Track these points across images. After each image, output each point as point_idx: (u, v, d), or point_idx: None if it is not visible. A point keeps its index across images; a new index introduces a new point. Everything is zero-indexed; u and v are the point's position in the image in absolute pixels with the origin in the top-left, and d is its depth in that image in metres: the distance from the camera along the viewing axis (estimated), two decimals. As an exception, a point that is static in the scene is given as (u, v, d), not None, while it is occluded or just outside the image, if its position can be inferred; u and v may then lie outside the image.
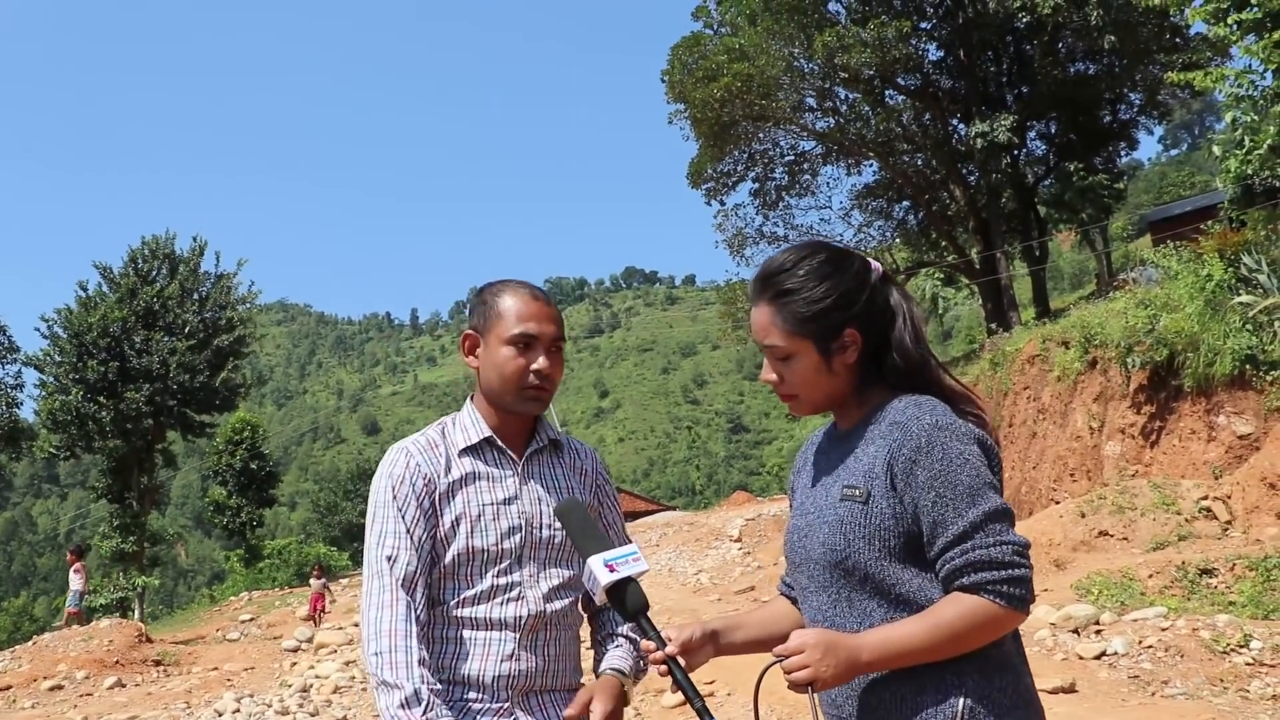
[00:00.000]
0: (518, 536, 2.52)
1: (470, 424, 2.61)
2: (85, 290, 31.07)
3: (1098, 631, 8.79)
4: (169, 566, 65.08)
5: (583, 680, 2.66)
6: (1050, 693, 7.55)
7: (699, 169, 37.76)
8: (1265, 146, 21.99)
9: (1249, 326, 13.43)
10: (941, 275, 41.47)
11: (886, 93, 35.40)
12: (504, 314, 2.55)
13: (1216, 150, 29.17)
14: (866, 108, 35.10)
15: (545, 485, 2.62)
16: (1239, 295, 13.80)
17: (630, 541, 2.59)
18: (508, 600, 2.49)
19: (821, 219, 39.24)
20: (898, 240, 39.80)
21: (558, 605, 2.56)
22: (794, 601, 2.38)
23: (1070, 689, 7.62)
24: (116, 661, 15.27)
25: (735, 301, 37.70)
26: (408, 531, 2.44)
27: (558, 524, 2.55)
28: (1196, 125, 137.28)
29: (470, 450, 2.57)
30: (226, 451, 40.79)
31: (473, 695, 2.45)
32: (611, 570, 2.22)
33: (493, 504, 2.53)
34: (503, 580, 2.49)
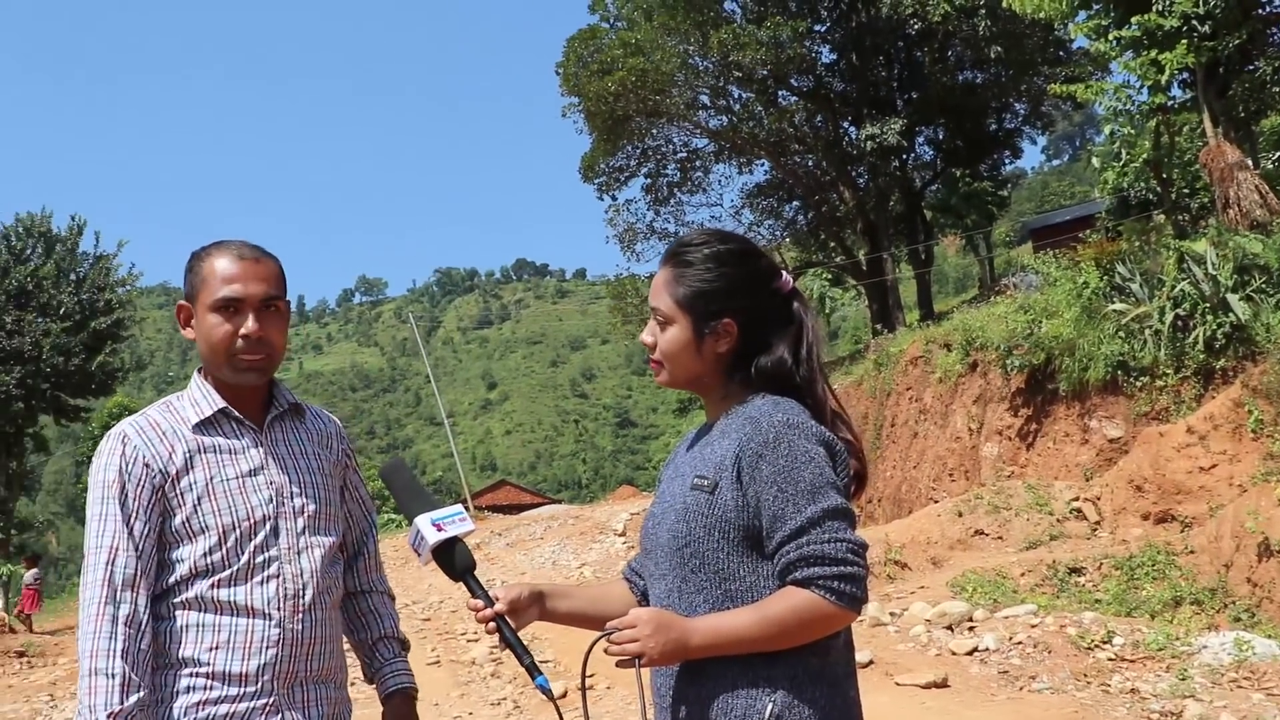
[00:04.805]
0: (270, 508, 2.36)
1: (201, 397, 2.41)
2: (-47, 267, 29.90)
3: (971, 628, 8.99)
4: (40, 555, 63.13)
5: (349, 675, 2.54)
6: (923, 688, 7.72)
7: (592, 163, 37.67)
8: (1140, 160, 22.81)
9: (1121, 334, 13.87)
10: (829, 276, 41.99)
11: (779, 93, 35.69)
12: (208, 279, 2.36)
13: (1095, 162, 30.15)
14: (759, 107, 35.34)
15: (291, 452, 2.47)
16: (1113, 303, 14.24)
17: (373, 507, 2.60)
18: (268, 578, 2.32)
19: (712, 216, 39.44)
20: (787, 240, 40.16)
21: (321, 578, 2.41)
22: (633, 587, 2.40)
23: (943, 684, 7.80)
24: (-24, 652, 14.79)
25: (625, 296, 37.71)
26: (127, 527, 2.26)
27: (310, 492, 2.45)
28: (1078, 137, 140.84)
29: (204, 425, 2.38)
30: (102, 437, 39.63)
31: (233, 691, 2.26)
32: (440, 530, 2.19)
33: (237, 477, 2.35)
34: (260, 557, 2.32)
